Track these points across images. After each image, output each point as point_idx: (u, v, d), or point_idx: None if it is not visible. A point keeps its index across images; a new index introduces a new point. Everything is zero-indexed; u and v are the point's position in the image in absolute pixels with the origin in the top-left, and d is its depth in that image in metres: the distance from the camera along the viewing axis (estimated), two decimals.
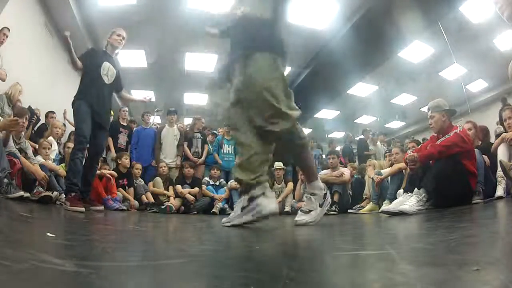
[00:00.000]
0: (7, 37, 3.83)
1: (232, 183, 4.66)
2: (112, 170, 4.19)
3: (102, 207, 3.21)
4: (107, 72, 3.09)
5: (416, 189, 2.55)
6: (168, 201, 4.36)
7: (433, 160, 2.71)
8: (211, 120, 5.94)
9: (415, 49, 7.23)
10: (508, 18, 1.88)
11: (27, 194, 2.79)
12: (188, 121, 7.45)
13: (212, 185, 4.78)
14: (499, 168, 2.75)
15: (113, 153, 4.75)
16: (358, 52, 6.29)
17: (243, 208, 1.83)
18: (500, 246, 0.97)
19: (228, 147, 5.41)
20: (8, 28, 3.84)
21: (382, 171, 4.27)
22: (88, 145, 3.02)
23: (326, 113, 10.64)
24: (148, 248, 1.27)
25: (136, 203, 4.16)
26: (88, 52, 3.22)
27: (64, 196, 2.92)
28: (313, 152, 5.96)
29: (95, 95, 2.98)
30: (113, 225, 2.26)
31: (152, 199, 4.36)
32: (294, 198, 4.66)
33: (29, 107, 4.13)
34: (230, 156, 5.37)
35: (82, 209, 2.61)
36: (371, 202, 4.22)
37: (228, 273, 0.75)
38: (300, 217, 1.98)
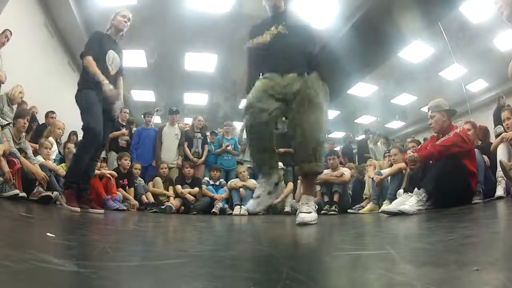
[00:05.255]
0: (8, 39, 3.83)
1: (231, 183, 4.66)
2: (113, 170, 4.19)
3: (102, 211, 3.00)
4: (112, 61, 2.83)
5: (416, 189, 2.54)
6: (168, 201, 4.36)
7: (433, 160, 2.70)
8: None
9: (415, 49, 7.22)
10: (508, 18, 1.88)
11: (23, 194, 2.76)
12: (188, 121, 7.46)
13: (212, 185, 4.77)
14: (499, 168, 2.74)
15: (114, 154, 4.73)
16: (358, 52, 6.28)
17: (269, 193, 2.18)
18: (500, 246, 0.97)
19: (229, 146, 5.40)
20: (10, 31, 3.84)
21: (382, 171, 4.26)
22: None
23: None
24: (148, 248, 1.27)
25: (136, 203, 4.16)
26: (95, 38, 2.85)
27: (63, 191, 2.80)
28: None
29: (100, 86, 2.67)
30: (113, 225, 2.26)
31: (152, 199, 4.35)
32: (294, 198, 4.65)
33: (32, 113, 4.13)
34: (230, 155, 5.37)
35: (77, 209, 2.54)
36: (371, 202, 4.21)
37: (228, 273, 0.75)
38: (305, 216, 2.03)
